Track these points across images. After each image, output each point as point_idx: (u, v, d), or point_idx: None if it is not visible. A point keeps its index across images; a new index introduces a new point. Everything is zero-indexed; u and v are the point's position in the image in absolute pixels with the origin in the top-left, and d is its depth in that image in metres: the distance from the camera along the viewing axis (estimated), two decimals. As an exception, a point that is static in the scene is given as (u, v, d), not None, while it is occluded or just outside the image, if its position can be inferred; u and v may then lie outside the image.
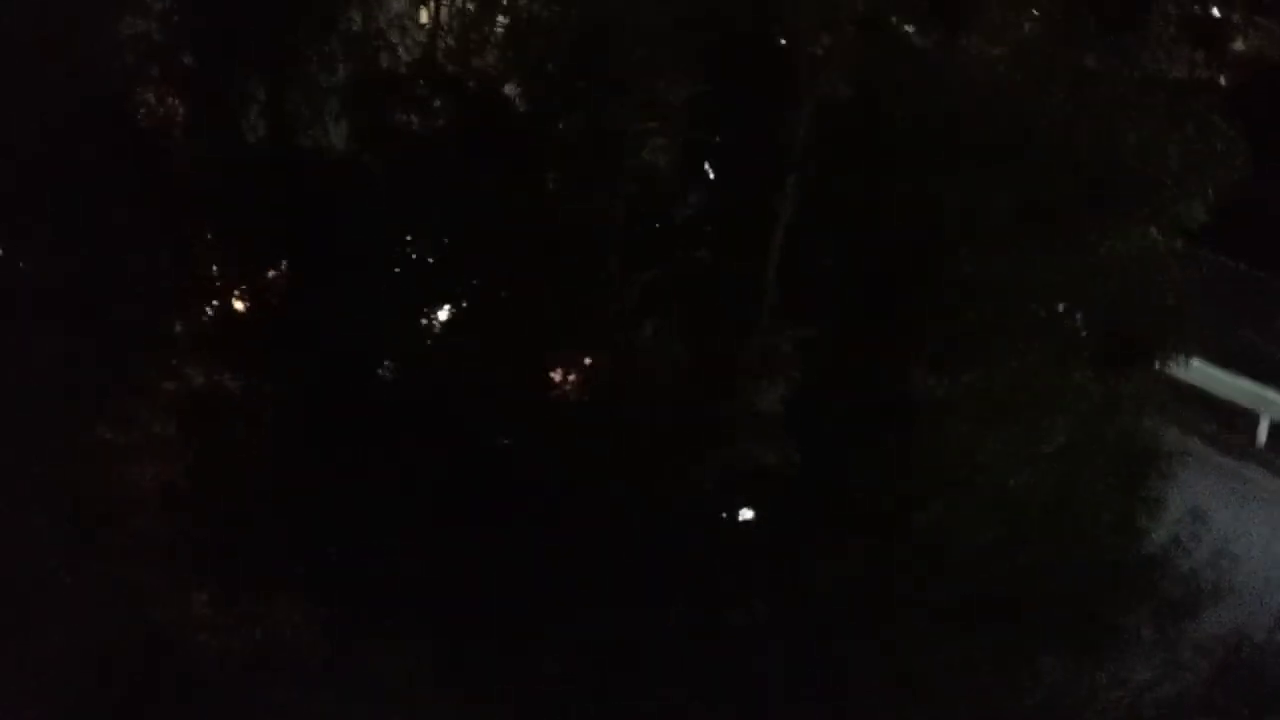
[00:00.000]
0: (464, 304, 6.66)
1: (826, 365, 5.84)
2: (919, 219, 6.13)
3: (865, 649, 6.02)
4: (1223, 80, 9.00)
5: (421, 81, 7.11)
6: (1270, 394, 15.05)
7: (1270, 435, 15.10)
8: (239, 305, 7.36)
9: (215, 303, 7.31)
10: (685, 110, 5.40)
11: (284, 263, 7.33)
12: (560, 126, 6.25)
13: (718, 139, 5.57)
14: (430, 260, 7.01)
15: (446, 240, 6.96)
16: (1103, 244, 6.36)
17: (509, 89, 7.06)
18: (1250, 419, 15.27)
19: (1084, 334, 6.71)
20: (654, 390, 5.48)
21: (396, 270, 7.08)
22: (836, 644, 5.98)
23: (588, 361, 5.90)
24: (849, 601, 5.96)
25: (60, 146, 6.64)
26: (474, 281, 6.64)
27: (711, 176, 5.58)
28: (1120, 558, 6.98)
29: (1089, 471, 6.78)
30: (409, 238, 7.18)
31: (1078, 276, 6.43)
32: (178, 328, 7.29)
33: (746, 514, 6.07)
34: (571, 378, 6.18)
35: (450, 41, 7.44)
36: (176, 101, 6.96)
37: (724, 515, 5.66)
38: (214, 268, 7.32)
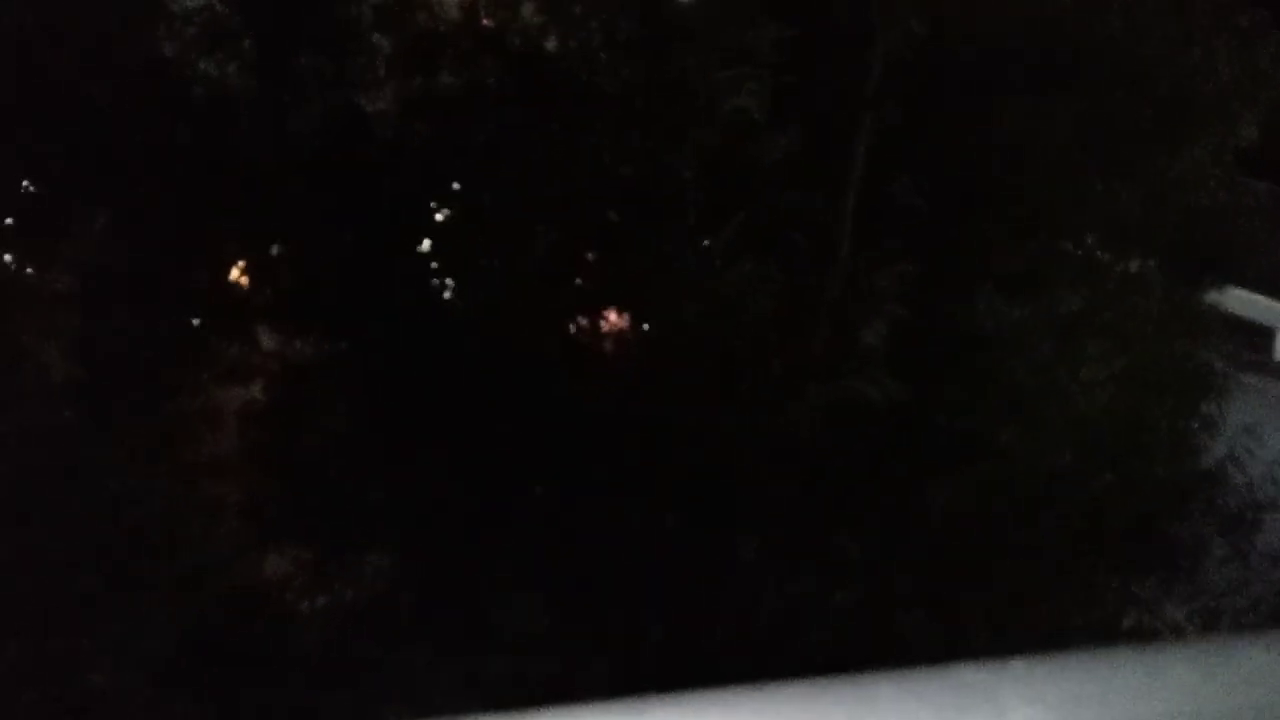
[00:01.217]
0: (544, 255, 6.73)
1: (906, 298, 5.96)
2: (987, 150, 6.24)
3: (959, 575, 6.19)
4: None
5: (474, 40, 7.15)
6: (1288, 311, 15.31)
7: (1288, 351, 15.37)
8: (304, 272, 7.43)
9: (281, 271, 7.39)
10: (766, 55, 5.46)
11: (346, 229, 7.38)
12: (625, 76, 6.34)
13: (795, 81, 5.62)
14: (494, 219, 7.09)
15: (510, 199, 7.03)
16: (1166, 166, 6.48)
17: (563, 43, 7.12)
18: (1265, 335, 15.53)
19: (1149, 260, 6.85)
20: (751, 329, 5.59)
21: (456, 232, 7.16)
22: (928, 571, 6.15)
23: (674, 304, 5.99)
24: (938, 530, 6.12)
25: (122, 122, 6.68)
26: (548, 234, 6.72)
27: (792, 119, 5.64)
28: (1184, 475, 7.18)
29: (1153, 393, 6.95)
30: (466, 199, 7.26)
31: (1141, 201, 6.55)
32: (243, 297, 7.38)
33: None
34: (657, 323, 6.31)
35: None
36: (236, 71, 6.99)
37: (819, 450, 5.78)
38: (277, 236, 7.39)
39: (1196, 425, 7.24)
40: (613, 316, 6.73)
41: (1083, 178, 6.36)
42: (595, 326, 6.74)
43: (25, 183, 6.71)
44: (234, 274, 7.32)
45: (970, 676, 0.64)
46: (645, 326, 6.61)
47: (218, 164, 6.69)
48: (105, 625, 6.85)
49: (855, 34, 5.78)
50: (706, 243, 5.87)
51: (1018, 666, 0.65)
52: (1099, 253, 6.87)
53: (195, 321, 7.06)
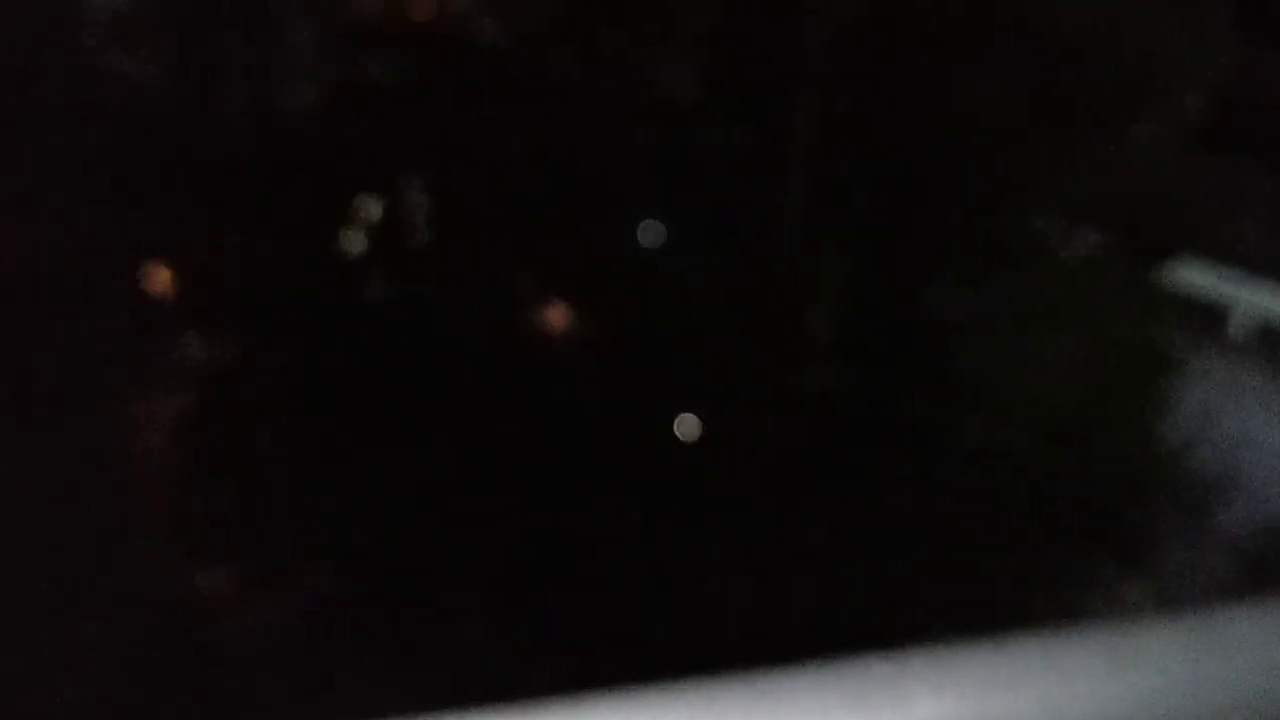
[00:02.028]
0: (482, 250, 6.55)
1: (856, 286, 5.82)
2: (934, 133, 6.12)
3: (919, 566, 6.08)
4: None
5: (402, 28, 6.94)
6: (1240, 289, 15.41)
7: (1241, 329, 15.49)
8: (231, 274, 7.20)
9: (207, 273, 7.16)
10: (704, 36, 5.29)
11: (273, 227, 7.17)
12: (563, 64, 6.16)
13: (734, 65, 5.46)
14: (428, 213, 6.91)
15: (443, 192, 6.85)
16: (1116, 144, 6.39)
17: (494, 29, 6.93)
18: (1219, 314, 15.64)
19: (1102, 239, 6.77)
20: (698, 320, 5.44)
21: (401, 227, 6.97)
22: (890, 562, 6.05)
23: (616, 298, 5.83)
24: (898, 521, 6.01)
25: (32, 121, 6.44)
26: (484, 229, 6.54)
27: (732, 105, 5.48)
28: (1141, 459, 7.10)
29: (1110, 375, 6.87)
30: (398, 193, 7.07)
31: (1091, 180, 6.46)
32: (169, 300, 7.15)
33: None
34: (600, 318, 6.15)
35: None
36: (150, 67, 6.75)
37: (775, 444, 5.64)
38: (200, 236, 7.17)
39: (1154, 407, 7.18)
40: (558, 313, 6.57)
41: (1031, 158, 6.24)
42: (540, 323, 6.57)
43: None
44: (157, 277, 7.09)
45: (877, 668, 0.64)
46: (591, 321, 6.45)
47: (135, 162, 6.45)
48: (34, 647, 6.61)
49: (793, 15, 5.62)
50: (652, 233, 5.70)
51: (925, 656, 0.54)
52: (1051, 234, 6.77)
53: (117, 327, 6.80)
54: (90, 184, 6.62)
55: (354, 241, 7.18)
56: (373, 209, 7.01)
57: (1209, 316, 15.46)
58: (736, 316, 5.53)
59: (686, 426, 5.74)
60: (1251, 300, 14.75)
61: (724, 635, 5.80)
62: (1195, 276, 14.54)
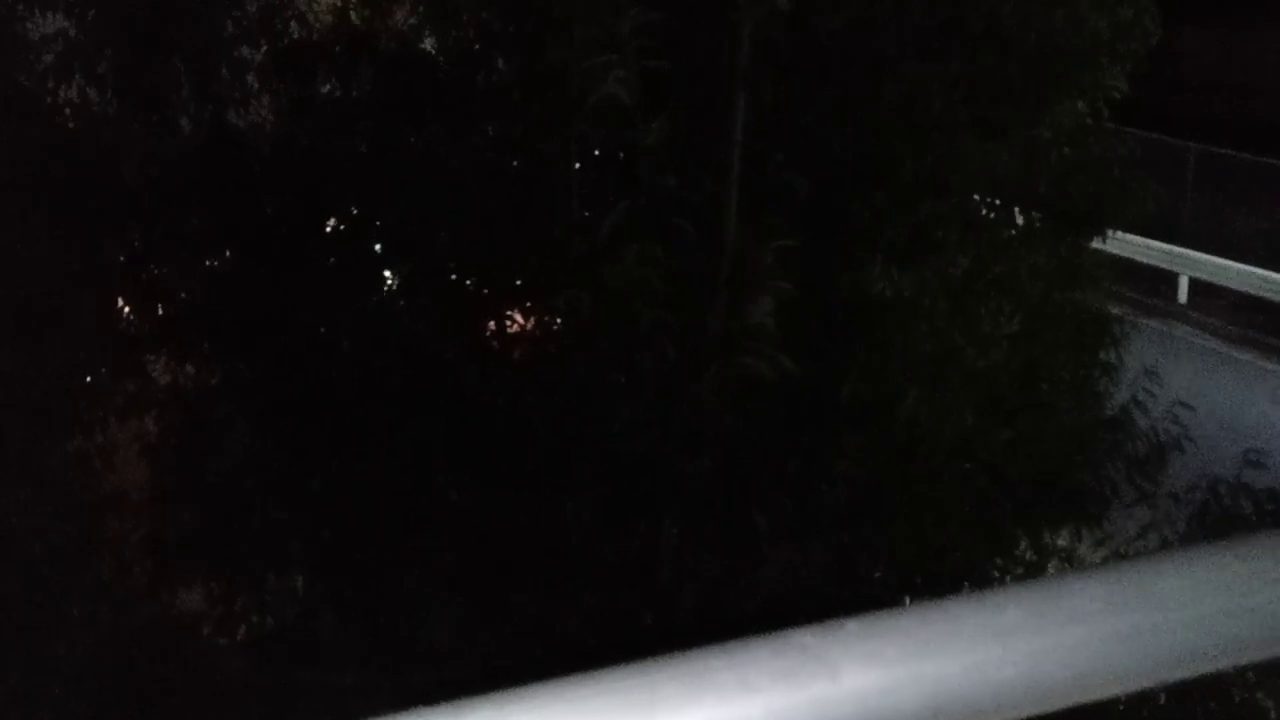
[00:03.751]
0: (430, 263, 6.65)
1: (797, 273, 5.95)
2: (865, 120, 6.27)
3: (868, 540, 6.22)
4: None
5: (341, 48, 7.04)
6: (1187, 254, 15.76)
7: (1189, 294, 15.81)
8: (190, 296, 7.27)
9: (167, 297, 7.22)
10: (635, 41, 5.42)
11: (229, 248, 7.25)
12: (500, 72, 6.29)
13: (668, 65, 5.59)
14: (382, 226, 7.00)
15: (395, 205, 6.94)
16: (1040, 123, 6.55)
17: (438, 42, 7.05)
18: (1169, 280, 15.95)
19: (1033, 214, 6.92)
20: (640, 315, 5.56)
21: (344, 242, 7.06)
22: (839, 537, 6.18)
23: (567, 297, 5.95)
24: (852, 500, 6.14)
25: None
26: (436, 238, 6.64)
27: (667, 104, 5.61)
28: (1087, 423, 7.26)
29: (1050, 345, 7.03)
30: (352, 208, 7.16)
31: (1020, 158, 6.61)
32: (131, 326, 7.21)
33: None
34: (552, 318, 6.27)
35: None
36: (100, 96, 6.81)
37: (727, 431, 5.77)
38: (159, 260, 7.23)
39: (1097, 373, 7.33)
40: (511, 314, 6.68)
41: (961, 140, 6.39)
42: (495, 325, 6.68)
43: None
44: (119, 302, 7.15)
45: (804, 640, 0.63)
46: (543, 320, 6.56)
47: (87, 191, 6.52)
48: (10, 672, 6.68)
49: (723, 14, 5.76)
50: (596, 232, 5.81)
51: (851, 626, 0.64)
52: (984, 212, 6.92)
53: (81, 354, 6.88)
54: (36, 218, 6.67)
55: (306, 256, 7.26)
56: (323, 224, 7.10)
57: (1163, 284, 15.73)
58: (681, 308, 5.66)
59: None
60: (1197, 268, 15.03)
61: (687, 618, 5.93)
62: (1149, 248, 14.84)
